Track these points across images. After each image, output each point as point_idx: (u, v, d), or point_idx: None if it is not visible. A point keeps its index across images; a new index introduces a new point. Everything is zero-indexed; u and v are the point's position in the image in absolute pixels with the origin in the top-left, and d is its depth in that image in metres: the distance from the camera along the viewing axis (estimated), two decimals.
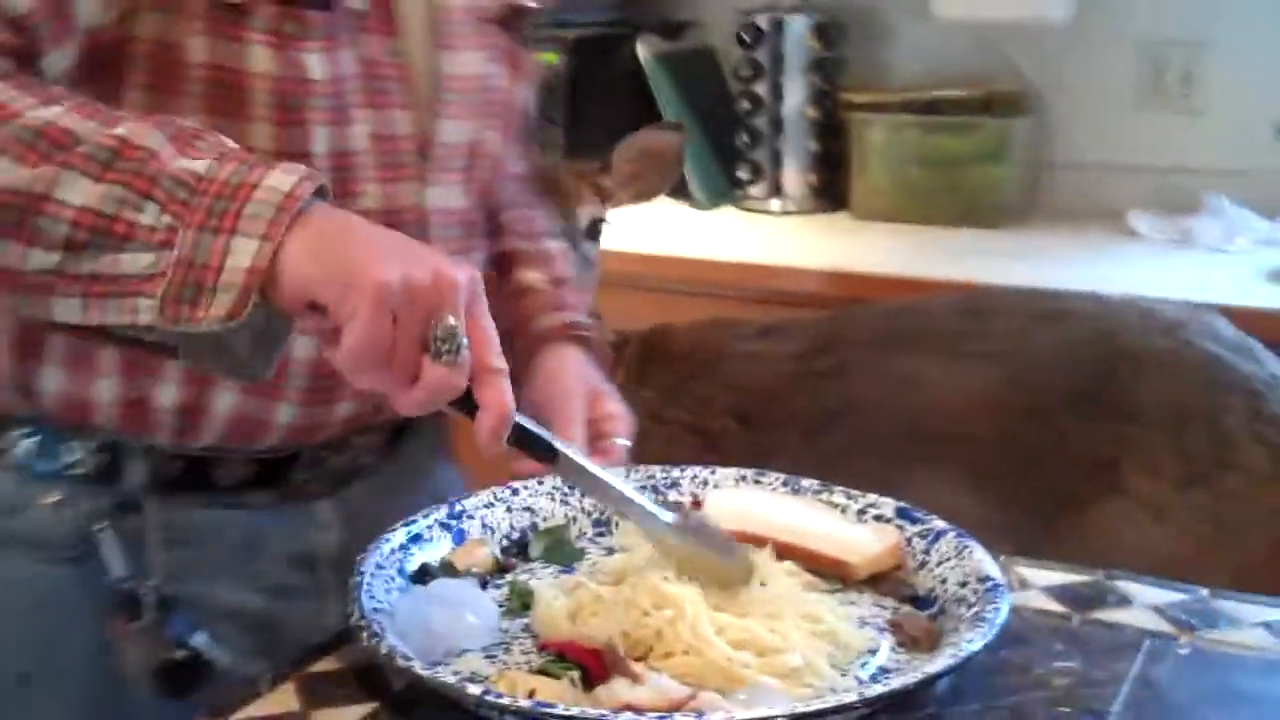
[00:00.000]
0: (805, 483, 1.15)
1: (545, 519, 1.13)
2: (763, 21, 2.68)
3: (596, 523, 1.14)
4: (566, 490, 1.15)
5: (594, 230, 1.75)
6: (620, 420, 1.14)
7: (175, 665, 1.03)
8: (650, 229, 2.42)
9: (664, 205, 2.63)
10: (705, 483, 1.16)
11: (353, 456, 1.16)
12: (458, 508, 1.10)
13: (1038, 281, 2.09)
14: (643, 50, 2.70)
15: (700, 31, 2.90)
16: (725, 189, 2.78)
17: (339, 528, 1.15)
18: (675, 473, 1.17)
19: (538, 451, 0.94)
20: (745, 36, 2.68)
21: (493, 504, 1.12)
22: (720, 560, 0.97)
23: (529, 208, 1.35)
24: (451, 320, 0.84)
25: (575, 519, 1.14)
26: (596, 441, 1.11)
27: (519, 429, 0.90)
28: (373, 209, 1.05)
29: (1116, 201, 2.53)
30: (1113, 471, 1.62)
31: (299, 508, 1.14)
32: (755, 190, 2.76)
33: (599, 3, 2.77)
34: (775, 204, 2.75)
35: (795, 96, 2.70)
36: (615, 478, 1.00)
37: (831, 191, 2.73)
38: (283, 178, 0.85)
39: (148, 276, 0.85)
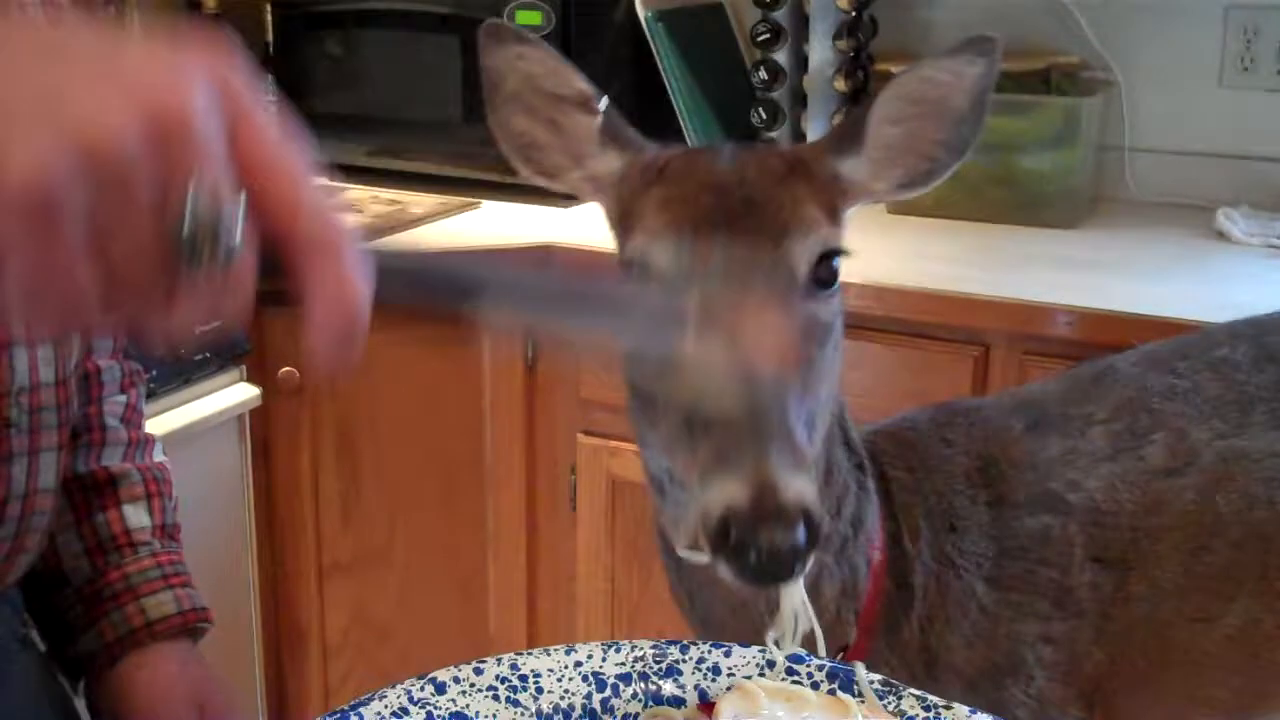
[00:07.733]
0: None
1: None
2: None
3: None
4: (518, 681, 0.77)
5: (825, 274, 0.93)
6: None
7: None
8: None
9: None
10: None
11: None
12: None
13: (1108, 295, 1.80)
14: (642, 6, 2.38)
15: None
16: None
17: None
18: None
19: (446, 309, 0.52)
20: None
21: (404, 713, 0.74)
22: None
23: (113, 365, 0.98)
24: (200, 193, 0.43)
25: None
26: None
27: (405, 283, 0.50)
28: None
29: (1201, 197, 2.25)
30: None
31: None
32: None
33: None
34: None
35: (821, 66, 2.36)
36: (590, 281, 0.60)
37: None
38: None
39: None
